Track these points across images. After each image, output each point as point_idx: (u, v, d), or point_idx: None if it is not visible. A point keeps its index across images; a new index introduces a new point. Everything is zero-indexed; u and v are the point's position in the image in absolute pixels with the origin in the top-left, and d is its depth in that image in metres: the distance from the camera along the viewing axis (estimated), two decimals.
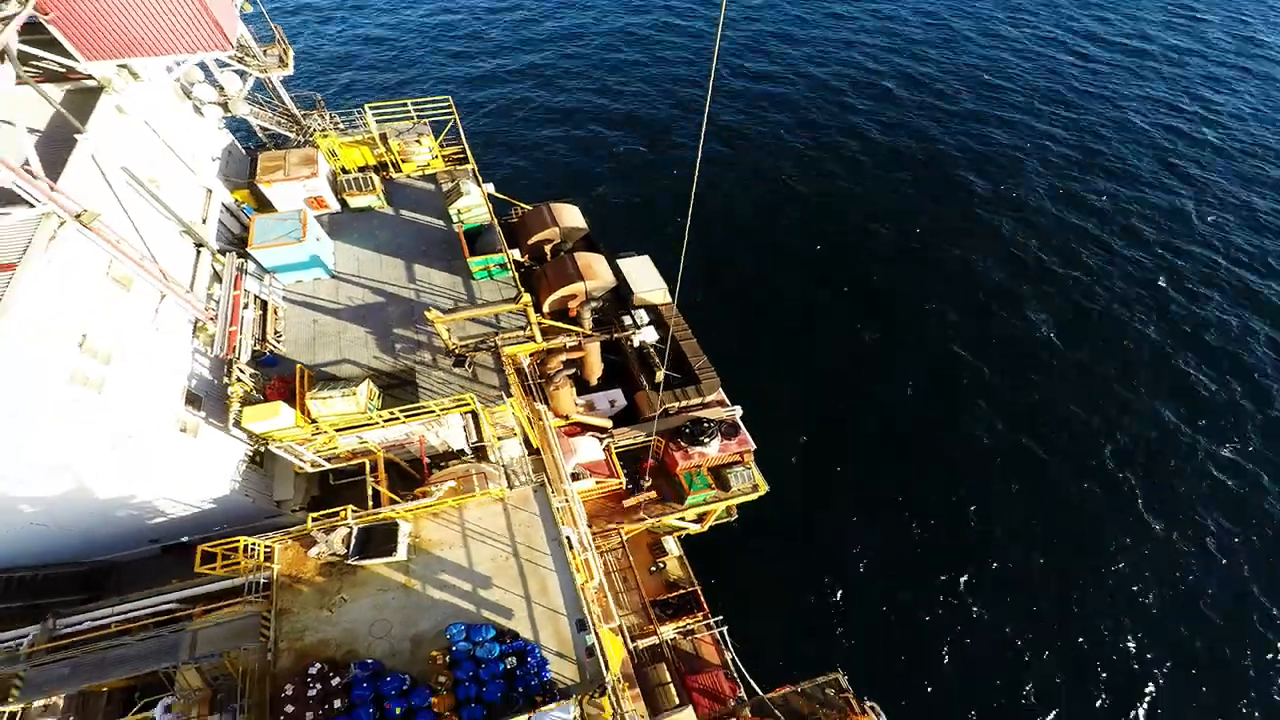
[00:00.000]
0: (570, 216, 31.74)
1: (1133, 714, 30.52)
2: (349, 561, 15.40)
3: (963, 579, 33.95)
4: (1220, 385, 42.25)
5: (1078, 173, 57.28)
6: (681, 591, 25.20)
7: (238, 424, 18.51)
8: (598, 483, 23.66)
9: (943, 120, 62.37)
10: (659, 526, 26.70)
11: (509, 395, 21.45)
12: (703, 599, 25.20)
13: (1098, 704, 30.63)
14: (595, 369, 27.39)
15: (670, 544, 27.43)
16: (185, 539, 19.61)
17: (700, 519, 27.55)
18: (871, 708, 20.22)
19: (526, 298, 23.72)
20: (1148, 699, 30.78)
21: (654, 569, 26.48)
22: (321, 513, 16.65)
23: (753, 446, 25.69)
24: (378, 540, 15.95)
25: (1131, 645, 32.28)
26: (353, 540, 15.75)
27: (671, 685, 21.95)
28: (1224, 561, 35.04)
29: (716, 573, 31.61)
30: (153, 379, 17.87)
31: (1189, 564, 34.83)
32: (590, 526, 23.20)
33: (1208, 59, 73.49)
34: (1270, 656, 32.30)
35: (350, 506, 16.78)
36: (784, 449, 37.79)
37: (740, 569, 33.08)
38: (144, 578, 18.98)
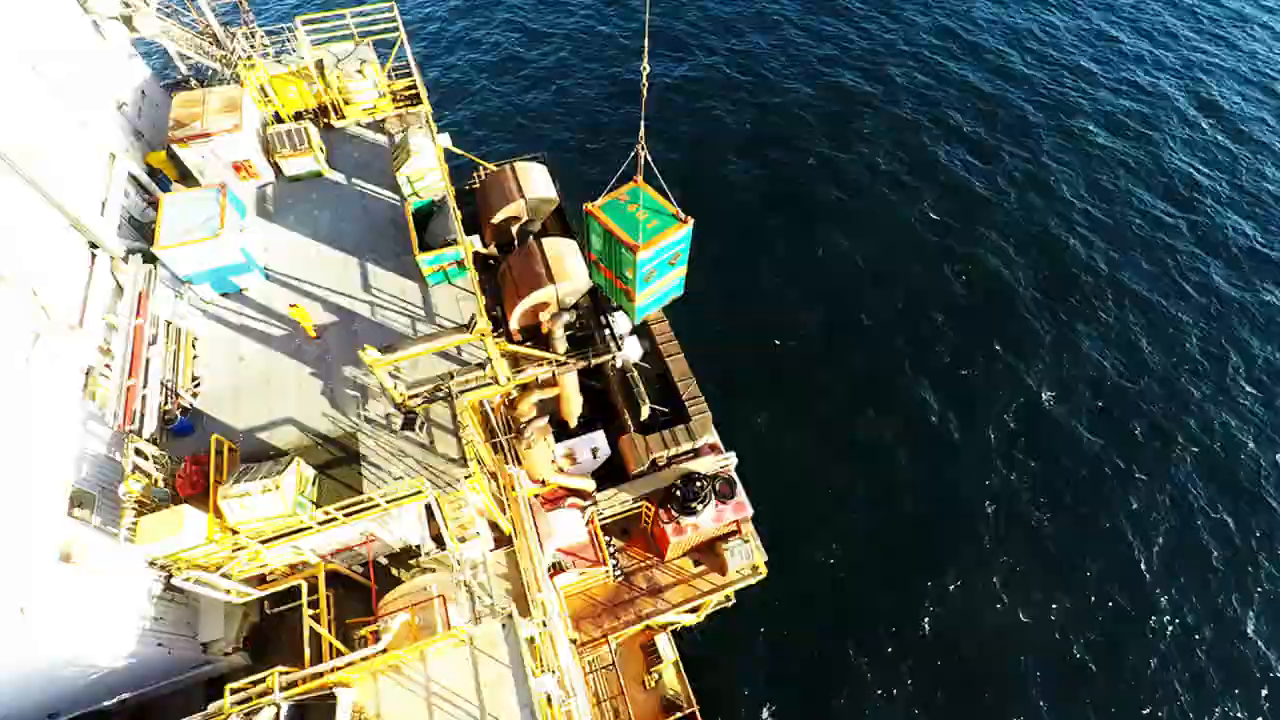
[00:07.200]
0: (538, 182, 25.24)
1: None
2: None
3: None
4: None
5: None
6: (680, 715, 22.61)
7: (130, 543, 14.56)
8: (582, 574, 20.45)
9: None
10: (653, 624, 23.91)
11: (468, 476, 17.89)
12: None
13: None
14: (574, 407, 23.58)
15: (664, 645, 24.47)
16: (104, 705, 14.78)
17: (695, 608, 24.70)
18: None
19: (484, 325, 18.34)
20: None
21: (648, 685, 23.70)
22: (240, 684, 13.56)
23: (750, 512, 22.52)
24: None
25: None
26: None
27: None
28: None
29: (717, 679, 27.76)
30: (20, 472, 12.87)
31: None
32: (577, 631, 20.37)
33: None
34: None
35: (279, 669, 13.82)
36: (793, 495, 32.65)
37: (742, 671, 28.68)
38: None
